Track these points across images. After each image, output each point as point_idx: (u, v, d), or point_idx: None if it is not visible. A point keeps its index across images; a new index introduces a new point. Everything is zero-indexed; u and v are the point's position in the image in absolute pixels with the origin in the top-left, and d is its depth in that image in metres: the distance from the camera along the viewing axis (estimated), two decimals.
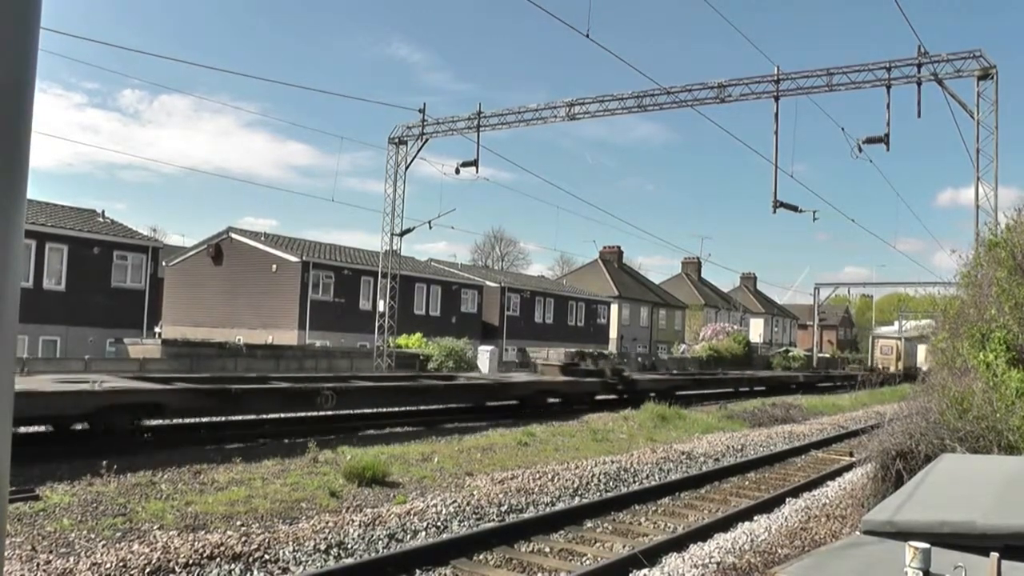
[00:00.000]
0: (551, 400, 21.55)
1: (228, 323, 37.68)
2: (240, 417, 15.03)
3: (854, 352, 77.50)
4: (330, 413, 16.22)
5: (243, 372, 23.62)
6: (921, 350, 46.76)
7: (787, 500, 11.23)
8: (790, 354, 62.55)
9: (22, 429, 11.89)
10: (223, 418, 14.82)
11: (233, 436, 13.95)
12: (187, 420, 14.59)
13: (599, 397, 23.35)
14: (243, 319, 37.83)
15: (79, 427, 12.39)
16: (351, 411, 17.31)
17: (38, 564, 6.33)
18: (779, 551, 7.97)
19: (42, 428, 12.57)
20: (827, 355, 67.95)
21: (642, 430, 17.97)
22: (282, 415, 15.83)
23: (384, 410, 18.38)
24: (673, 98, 24.59)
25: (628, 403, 22.40)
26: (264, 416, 15.51)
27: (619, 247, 67.01)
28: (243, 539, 7.32)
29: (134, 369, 22.37)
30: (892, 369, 48.73)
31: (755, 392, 33.09)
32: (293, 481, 10.06)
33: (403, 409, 18.65)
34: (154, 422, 13.74)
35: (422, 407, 18.87)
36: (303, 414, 15.90)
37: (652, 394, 23.22)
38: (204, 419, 14.62)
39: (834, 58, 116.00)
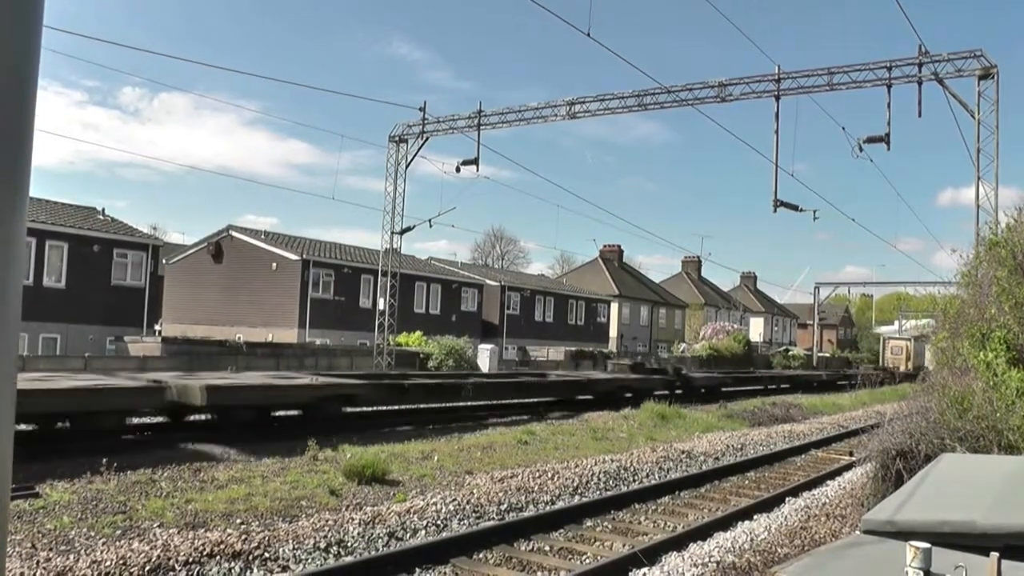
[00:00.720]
0: (626, 395, 23.99)
1: (228, 321, 37.67)
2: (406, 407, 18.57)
3: (854, 352, 77.43)
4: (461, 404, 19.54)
5: (243, 370, 23.59)
6: (929, 350, 47.09)
7: (787, 499, 11.24)
8: (790, 353, 62.55)
9: (280, 413, 15.20)
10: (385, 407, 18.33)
11: (403, 422, 17.17)
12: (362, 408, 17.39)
13: (659, 392, 24.76)
14: (243, 317, 37.82)
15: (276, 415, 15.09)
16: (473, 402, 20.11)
17: (38, 562, 6.33)
18: (779, 550, 7.97)
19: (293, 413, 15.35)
20: (827, 354, 67.93)
21: (642, 429, 17.96)
22: (434, 405, 19.11)
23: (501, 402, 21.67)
24: (674, 97, 24.57)
25: (685, 396, 24.86)
26: (422, 405, 18.78)
27: (619, 246, 66.99)
28: (243, 537, 7.32)
29: (134, 368, 22.38)
30: (903, 368, 49.03)
31: (782, 389, 36.99)
32: (293, 479, 10.06)
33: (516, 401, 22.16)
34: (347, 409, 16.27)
35: (524, 399, 22.24)
36: (450, 404, 19.38)
37: (703, 388, 28.18)
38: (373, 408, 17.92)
39: (834, 57, 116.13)
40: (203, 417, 14.32)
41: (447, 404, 19.29)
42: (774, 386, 37.54)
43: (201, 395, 12.51)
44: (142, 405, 13.16)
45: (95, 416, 11.75)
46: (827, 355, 67.85)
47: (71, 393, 11.62)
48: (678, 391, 25.72)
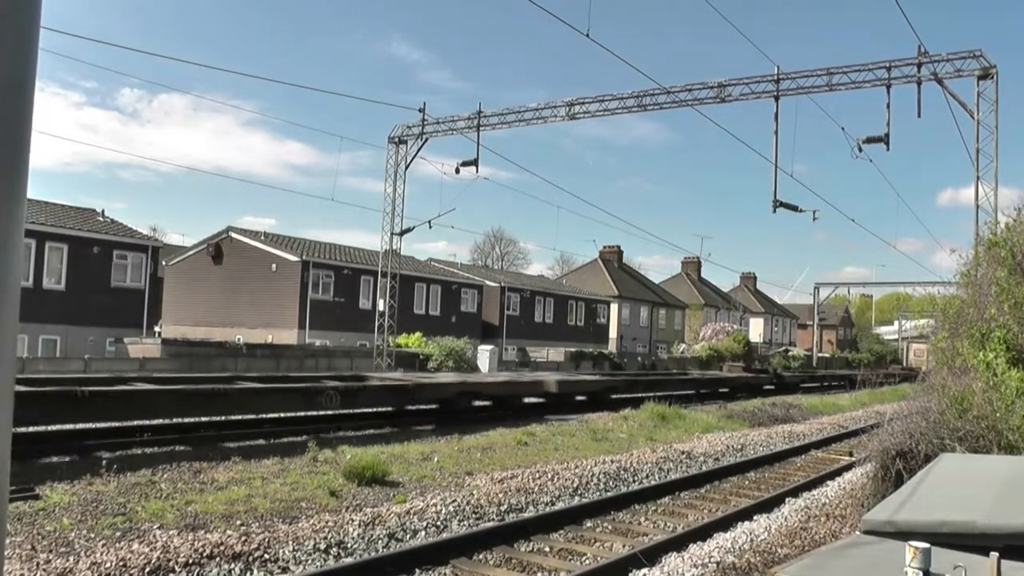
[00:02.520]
0: (748, 388, 32.42)
1: (228, 322, 37.67)
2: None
3: (854, 352, 77.38)
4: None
5: (244, 370, 23.61)
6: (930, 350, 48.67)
7: (787, 500, 11.23)
8: (790, 354, 62.54)
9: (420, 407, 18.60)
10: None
11: (516, 415, 19.21)
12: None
13: (767, 387, 34.88)
14: (243, 318, 37.82)
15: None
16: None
17: (38, 563, 6.33)
18: (779, 551, 7.96)
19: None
20: (827, 355, 67.96)
21: (642, 430, 17.96)
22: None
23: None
24: (673, 97, 24.59)
25: (779, 391, 33.76)
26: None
27: (619, 247, 67.01)
28: (243, 538, 7.31)
29: (134, 369, 22.38)
30: (925, 368, 50.23)
31: (835, 386, 41.06)
32: (293, 480, 10.06)
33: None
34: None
35: (660, 393, 24.59)
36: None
37: (790, 384, 37.10)
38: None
39: (834, 58, 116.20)
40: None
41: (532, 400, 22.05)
42: (827, 383, 42.80)
43: (556, 386, 21.51)
44: (533, 392, 21.29)
45: (510, 399, 20.22)
46: (827, 355, 67.89)
47: (506, 386, 20.91)
48: (774, 386, 35.55)
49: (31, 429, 11.71)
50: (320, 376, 19.93)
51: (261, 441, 13.60)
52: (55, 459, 10.46)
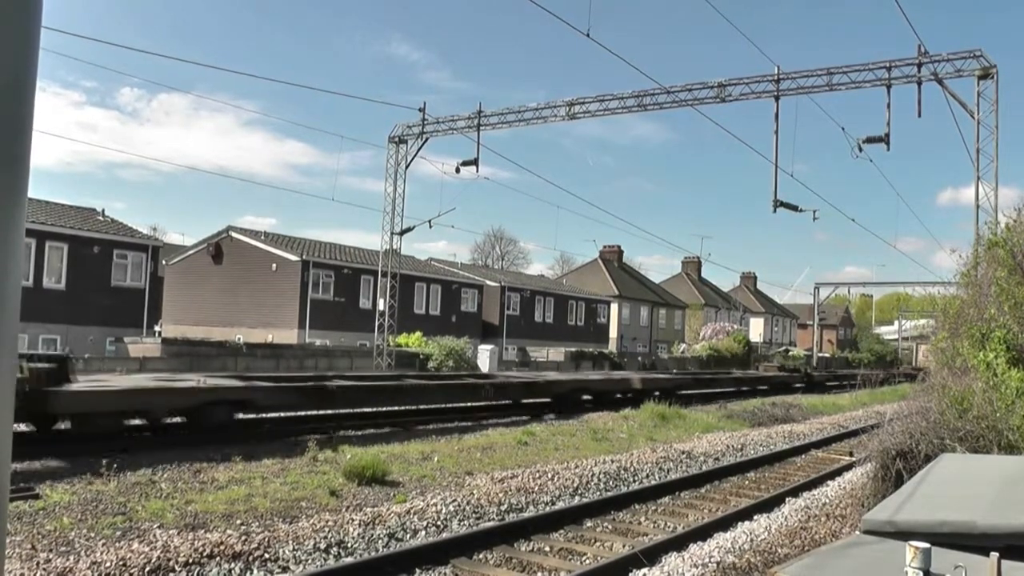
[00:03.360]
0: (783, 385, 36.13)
1: (228, 322, 37.67)
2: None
3: (854, 352, 77.40)
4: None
5: (243, 371, 23.62)
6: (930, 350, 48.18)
7: (787, 500, 11.23)
8: (790, 354, 62.55)
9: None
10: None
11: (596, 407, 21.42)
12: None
13: (797, 384, 38.31)
14: (243, 318, 37.82)
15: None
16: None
17: (38, 563, 6.33)
18: (779, 550, 7.97)
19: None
20: (827, 355, 67.96)
21: (642, 429, 17.96)
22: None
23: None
24: (673, 97, 24.58)
25: (808, 388, 37.08)
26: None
27: (619, 246, 67.00)
28: (243, 538, 7.32)
29: (135, 368, 22.39)
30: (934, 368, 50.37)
31: (854, 385, 42.51)
32: (293, 480, 10.06)
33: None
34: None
35: (715, 389, 30.40)
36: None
37: (818, 383, 39.67)
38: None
39: (834, 58, 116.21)
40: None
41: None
42: (855, 383, 42.53)
43: (640, 383, 24.79)
44: (623, 389, 24.55)
45: (606, 393, 23.36)
46: (827, 355, 67.88)
47: (604, 383, 24.57)
48: (804, 384, 38.20)
49: (297, 413, 16.26)
50: (464, 374, 26.03)
51: (433, 425, 16.96)
52: (53, 463, 10.46)
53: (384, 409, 18.28)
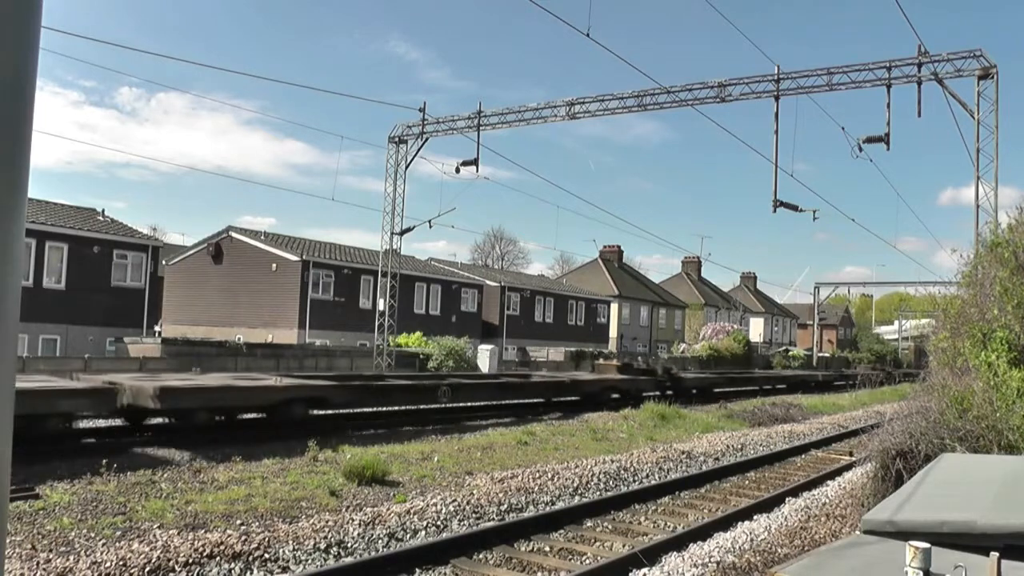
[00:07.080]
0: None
1: (228, 322, 37.66)
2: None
3: (854, 351, 77.38)
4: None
5: (243, 371, 23.61)
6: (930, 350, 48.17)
7: (787, 499, 11.23)
8: (790, 353, 62.48)
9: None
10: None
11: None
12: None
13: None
14: (243, 318, 37.81)
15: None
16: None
17: (38, 563, 6.33)
18: (779, 550, 7.97)
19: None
20: (827, 354, 67.92)
21: (642, 429, 17.96)
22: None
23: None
24: (673, 97, 24.57)
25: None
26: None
27: (619, 246, 66.98)
28: (243, 538, 7.31)
29: (135, 368, 22.38)
30: None
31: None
32: (293, 480, 10.06)
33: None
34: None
35: (745, 388, 32.86)
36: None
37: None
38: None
39: (834, 57, 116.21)
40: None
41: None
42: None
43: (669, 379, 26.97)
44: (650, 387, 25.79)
45: (632, 391, 24.52)
46: (827, 355, 67.85)
47: (632, 382, 25.68)
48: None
49: (345, 411, 17.35)
50: (501, 374, 27.44)
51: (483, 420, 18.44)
52: (53, 463, 10.45)
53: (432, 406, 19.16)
